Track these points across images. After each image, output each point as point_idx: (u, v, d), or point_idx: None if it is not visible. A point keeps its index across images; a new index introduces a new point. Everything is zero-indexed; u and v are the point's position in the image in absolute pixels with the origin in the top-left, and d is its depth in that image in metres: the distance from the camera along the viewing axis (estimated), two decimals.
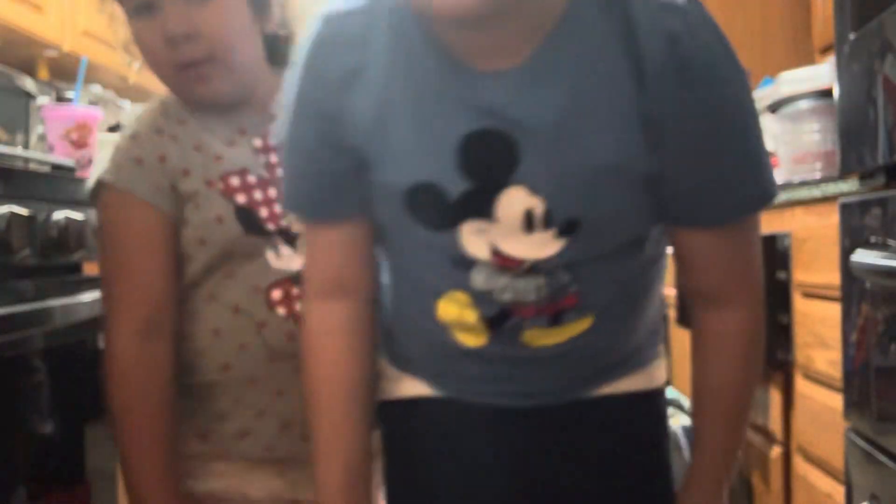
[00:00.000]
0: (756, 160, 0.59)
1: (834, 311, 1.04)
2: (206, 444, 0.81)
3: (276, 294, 0.79)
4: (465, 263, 0.60)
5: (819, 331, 1.15)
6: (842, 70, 1.01)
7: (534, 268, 0.60)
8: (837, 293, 1.00)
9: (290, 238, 0.81)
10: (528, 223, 0.57)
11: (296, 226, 0.79)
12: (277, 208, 0.80)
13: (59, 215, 1.06)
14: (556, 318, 0.62)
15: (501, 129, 0.55)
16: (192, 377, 0.81)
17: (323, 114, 0.59)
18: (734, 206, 0.60)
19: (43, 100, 1.66)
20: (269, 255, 0.80)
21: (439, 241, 0.60)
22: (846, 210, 0.99)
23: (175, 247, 0.78)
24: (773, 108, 1.43)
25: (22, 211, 0.96)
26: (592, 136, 0.55)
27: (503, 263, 0.60)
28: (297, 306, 0.79)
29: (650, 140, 0.55)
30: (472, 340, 0.64)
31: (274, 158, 0.81)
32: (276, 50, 0.85)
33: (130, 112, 0.78)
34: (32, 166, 1.19)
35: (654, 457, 0.72)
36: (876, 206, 0.91)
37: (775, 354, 1.30)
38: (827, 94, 1.30)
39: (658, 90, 0.54)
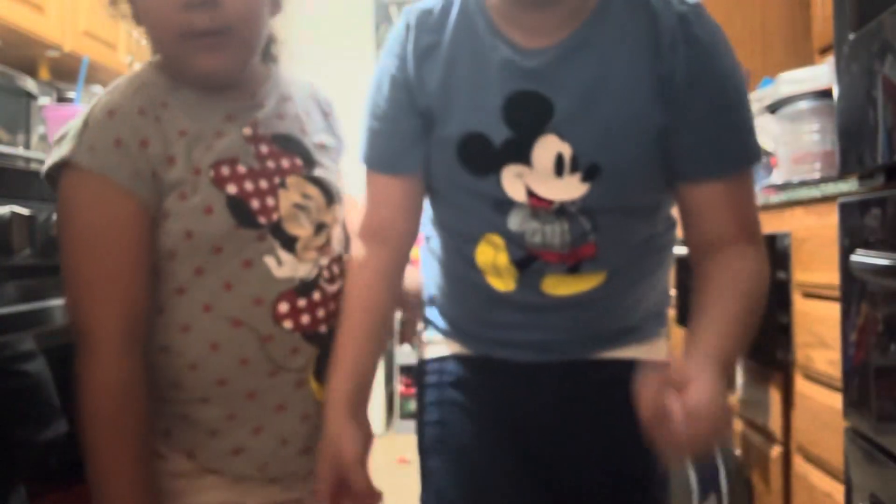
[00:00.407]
0: (749, 124, 0.73)
1: (833, 310, 1.04)
2: (194, 461, 0.75)
3: (283, 307, 0.74)
4: (504, 207, 0.73)
5: (819, 330, 1.15)
6: (841, 70, 1.01)
7: (561, 210, 0.72)
8: (837, 293, 1.00)
9: (287, 241, 0.75)
10: (559, 167, 0.70)
11: (289, 224, 0.76)
12: (270, 200, 0.75)
13: None
14: (574, 268, 0.74)
15: (540, 90, 0.70)
16: (180, 392, 0.74)
17: (404, 84, 0.75)
18: (737, 158, 0.72)
19: (44, 100, 1.66)
20: (270, 263, 0.74)
21: (483, 186, 0.73)
22: (846, 210, 0.99)
23: (151, 241, 0.71)
24: (773, 108, 1.43)
25: (23, 211, 0.96)
26: (614, 94, 0.69)
27: (536, 205, 0.72)
28: (305, 319, 0.76)
29: (663, 98, 0.69)
30: (502, 285, 0.76)
31: (264, 148, 0.76)
32: (268, 43, 0.82)
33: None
34: (33, 166, 1.19)
35: None
36: (875, 206, 0.91)
37: (775, 354, 1.30)
38: (826, 94, 1.31)
39: (671, 58, 0.68)
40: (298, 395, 0.76)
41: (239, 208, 0.72)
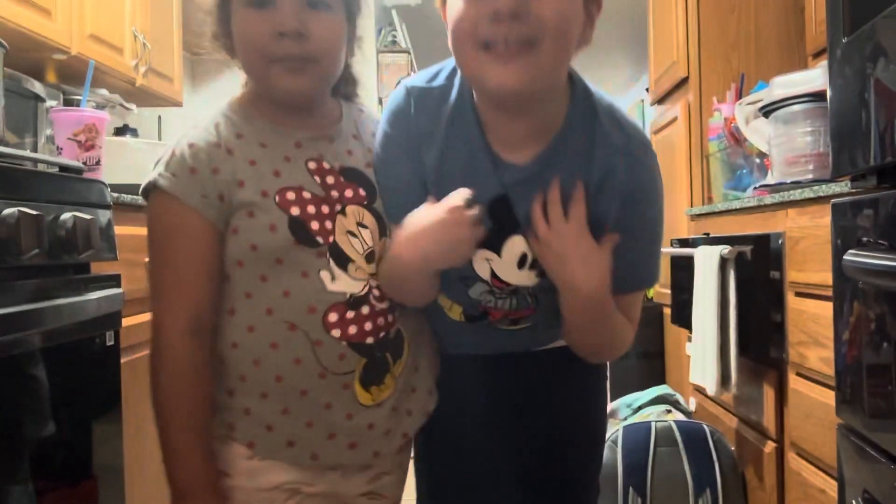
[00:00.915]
0: (658, 253, 0.86)
1: (826, 309, 1.05)
2: (255, 451, 0.84)
3: (333, 317, 0.83)
4: (469, 281, 0.86)
5: (812, 329, 1.17)
6: (834, 73, 1.02)
7: (514, 290, 0.87)
8: (830, 292, 1.02)
9: (342, 260, 0.84)
10: (521, 263, 0.84)
11: (344, 244, 0.84)
12: (329, 224, 0.84)
13: (67, 215, 1.08)
14: (514, 321, 0.91)
15: (512, 201, 0.82)
16: (245, 385, 0.84)
17: (410, 156, 0.84)
18: (641, 281, 0.87)
19: (51, 103, 1.68)
20: (325, 277, 0.83)
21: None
22: (838, 210, 1.00)
23: (219, 251, 0.83)
24: (767, 111, 1.45)
25: (31, 211, 0.98)
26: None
27: (496, 284, 0.86)
28: (352, 329, 0.84)
29: (593, 225, 0.80)
30: (457, 318, 0.93)
31: (330, 179, 0.86)
32: (346, 83, 0.94)
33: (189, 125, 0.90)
34: (41, 168, 1.20)
35: (591, 384, 0.98)
36: (867, 207, 0.92)
37: (769, 352, 1.32)
38: (819, 97, 1.32)
39: (601, 198, 0.79)
40: (344, 396, 0.85)
41: (299, 227, 0.83)
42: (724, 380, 1.46)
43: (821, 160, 1.33)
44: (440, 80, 0.84)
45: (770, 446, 1.35)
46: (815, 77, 1.35)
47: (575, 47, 0.76)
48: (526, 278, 0.85)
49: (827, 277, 1.03)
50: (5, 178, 1.00)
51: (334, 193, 0.86)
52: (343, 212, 0.86)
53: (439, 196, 0.80)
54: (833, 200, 1.02)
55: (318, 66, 0.83)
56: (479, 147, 0.81)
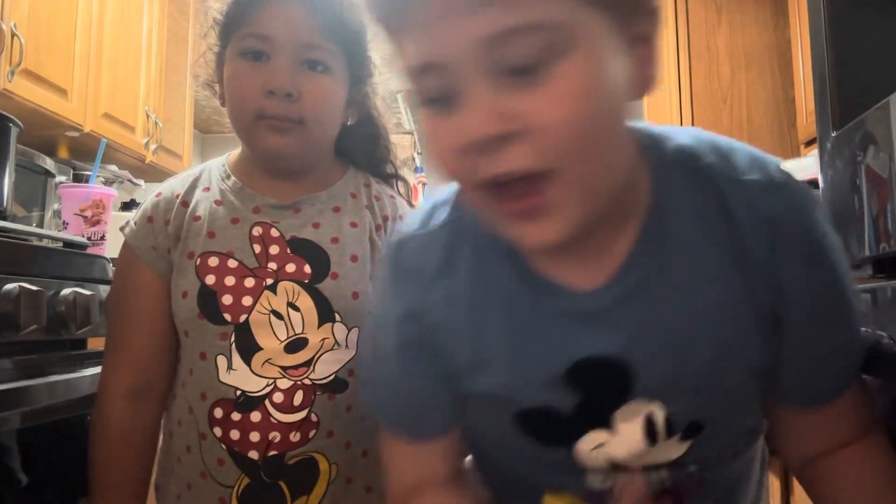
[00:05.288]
0: (858, 329, 0.55)
1: None
2: None
3: (218, 412, 0.73)
4: (581, 470, 0.56)
5: None
6: (825, 165, 1.05)
7: (655, 465, 0.55)
8: None
9: (246, 348, 0.73)
10: (651, 434, 0.53)
11: (256, 330, 0.73)
12: (248, 300, 0.73)
13: (68, 291, 1.08)
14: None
15: (612, 352, 0.50)
16: (165, 455, 0.79)
17: (420, 343, 0.54)
18: (846, 378, 0.55)
19: (61, 178, 1.72)
20: (220, 363, 0.73)
21: (553, 454, 0.55)
22: None
23: (169, 309, 0.76)
24: None
25: (31, 287, 0.99)
26: (706, 332, 0.49)
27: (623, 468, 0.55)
28: (234, 434, 0.72)
29: (763, 331, 0.50)
30: None
31: (274, 249, 0.75)
32: (345, 139, 0.84)
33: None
34: (45, 243, 1.22)
35: None
36: (864, 295, 0.92)
37: (771, 442, 1.29)
38: (814, 184, 1.35)
39: (765, 279, 0.49)
40: None
41: (207, 299, 0.73)
42: None
43: None
44: (440, 216, 0.54)
45: None
46: (809, 165, 1.38)
47: (620, 115, 0.44)
48: (666, 451, 0.54)
49: None
50: (9, 253, 1.01)
51: (272, 266, 0.75)
52: (273, 288, 0.74)
53: (484, 378, 0.53)
54: None
55: (305, 130, 0.75)
56: (528, 287, 0.51)
